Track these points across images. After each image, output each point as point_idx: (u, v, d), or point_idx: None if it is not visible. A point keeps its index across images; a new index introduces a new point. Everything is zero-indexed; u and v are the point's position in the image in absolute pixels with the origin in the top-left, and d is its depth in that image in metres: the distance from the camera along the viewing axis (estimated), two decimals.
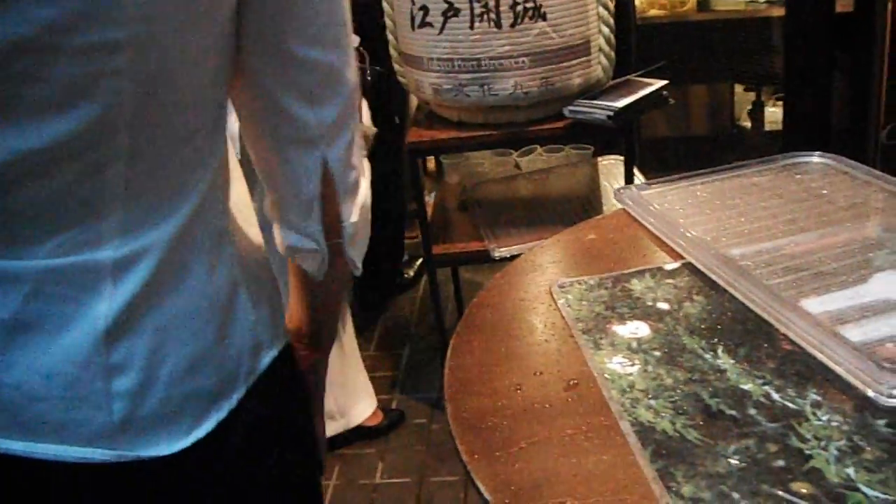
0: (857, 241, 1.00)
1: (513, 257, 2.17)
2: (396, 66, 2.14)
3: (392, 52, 2.13)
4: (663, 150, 3.25)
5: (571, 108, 1.98)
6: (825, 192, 1.14)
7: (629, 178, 2.11)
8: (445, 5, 1.87)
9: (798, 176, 1.21)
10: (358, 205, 0.82)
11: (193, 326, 0.70)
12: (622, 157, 2.45)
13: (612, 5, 1.97)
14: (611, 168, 2.49)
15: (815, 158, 1.25)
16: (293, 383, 0.88)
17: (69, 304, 0.64)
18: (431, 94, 2.02)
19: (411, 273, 3.25)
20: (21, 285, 0.63)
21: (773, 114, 3.45)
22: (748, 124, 3.44)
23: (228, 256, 0.74)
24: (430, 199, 2.60)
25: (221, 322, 0.73)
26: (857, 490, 0.63)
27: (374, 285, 3.07)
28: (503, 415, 0.77)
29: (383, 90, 2.77)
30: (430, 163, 2.81)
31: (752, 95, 3.41)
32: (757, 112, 3.38)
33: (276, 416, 0.82)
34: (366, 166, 0.86)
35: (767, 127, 3.40)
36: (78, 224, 0.64)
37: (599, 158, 2.55)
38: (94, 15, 0.56)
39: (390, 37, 2.10)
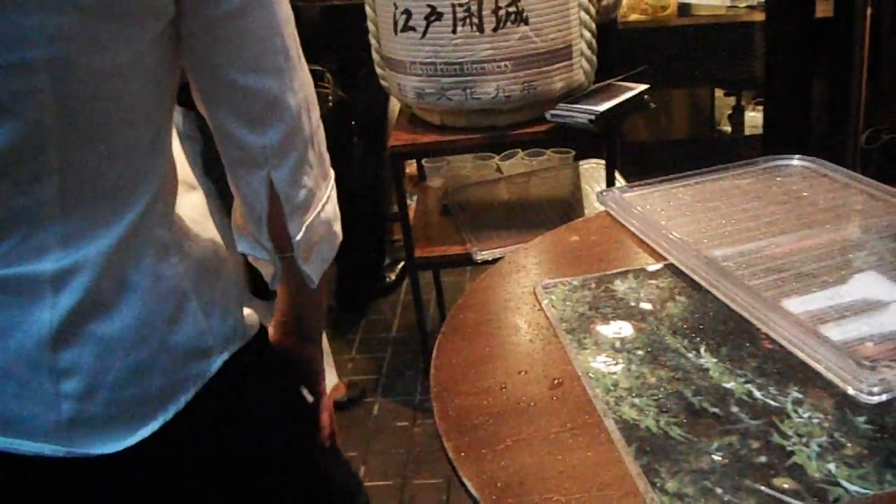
0: (837, 243, 1.02)
1: (495, 260, 2.18)
2: (379, 70, 2.15)
3: (374, 55, 2.13)
4: (644, 155, 3.26)
5: (553, 111, 1.99)
6: (805, 194, 1.15)
7: (611, 182, 2.12)
8: (428, 9, 1.87)
9: (779, 179, 1.23)
10: (307, 222, 0.84)
11: (138, 335, 0.73)
12: (603, 161, 2.47)
13: (593, 10, 1.98)
14: (592, 172, 2.50)
15: (796, 161, 1.26)
16: (252, 380, 0.88)
17: (13, 311, 0.68)
18: (414, 97, 2.03)
19: (393, 276, 3.25)
20: None
21: (753, 118, 3.48)
22: (728, 129, 3.47)
23: (173, 266, 0.76)
24: (411, 203, 2.60)
25: (167, 331, 0.75)
26: (838, 485, 0.64)
27: (355, 288, 3.07)
28: (489, 413, 0.78)
29: (362, 100, 2.79)
30: (412, 167, 2.81)
31: (732, 100, 3.44)
32: (737, 116, 3.41)
33: (230, 415, 0.84)
34: (329, 183, 0.88)
35: (748, 131, 3.43)
36: (15, 236, 0.66)
37: (581, 162, 2.56)
38: (8, 37, 0.59)
39: (373, 41, 2.11)
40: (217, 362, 0.80)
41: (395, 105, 2.80)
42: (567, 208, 2.33)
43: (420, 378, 2.62)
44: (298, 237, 0.83)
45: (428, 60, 1.94)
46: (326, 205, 0.86)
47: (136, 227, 0.72)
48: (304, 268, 0.86)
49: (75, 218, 0.68)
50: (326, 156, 0.86)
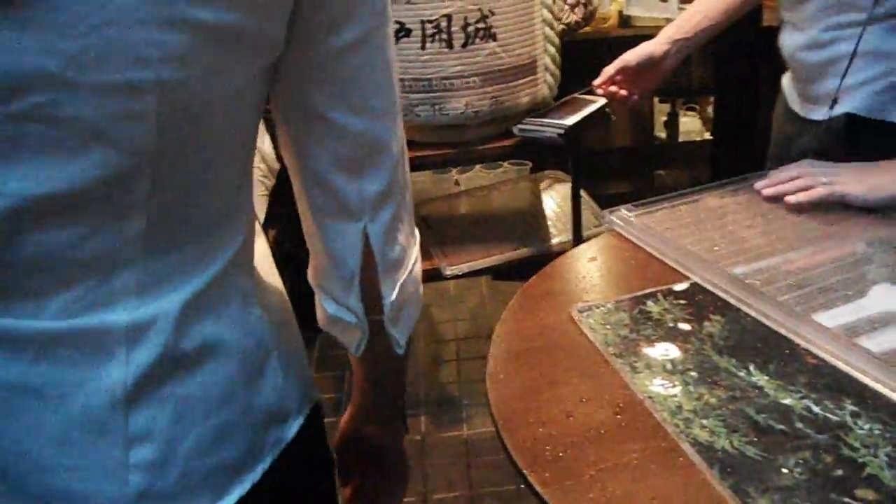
0: (848, 256, 1.07)
1: (464, 275, 2.22)
2: None
3: None
4: (591, 164, 3.34)
5: (521, 126, 2.03)
6: (806, 208, 1.20)
7: (576, 194, 2.17)
8: (397, 26, 1.89)
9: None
10: (400, 281, 0.78)
11: (221, 395, 0.67)
12: (558, 172, 2.52)
13: (556, 25, 2.03)
14: (550, 183, 2.55)
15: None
16: (319, 450, 0.86)
17: (80, 369, 0.60)
18: None
19: None
20: (25, 347, 0.59)
21: (686, 124, 3.60)
22: (664, 135, 3.57)
23: (257, 319, 0.71)
24: None
25: (251, 391, 0.70)
26: None
27: (312, 302, 3.05)
28: (562, 443, 0.80)
29: None
30: None
31: (666, 107, 3.54)
32: (672, 123, 3.51)
33: (301, 487, 0.80)
34: (416, 240, 0.83)
35: (681, 137, 3.54)
36: (89, 282, 0.59)
37: (540, 174, 2.61)
38: (121, 52, 0.52)
39: None
40: (294, 427, 0.76)
41: None
42: (529, 220, 2.38)
43: None
44: (392, 298, 0.77)
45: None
46: (416, 264, 0.82)
47: (223, 273, 0.66)
48: (393, 331, 0.80)
49: (158, 262, 0.62)
50: (413, 210, 0.81)
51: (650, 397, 0.85)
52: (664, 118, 3.56)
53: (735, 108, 2.44)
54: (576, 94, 2.16)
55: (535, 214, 2.39)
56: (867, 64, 1.30)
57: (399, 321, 0.81)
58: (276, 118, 0.72)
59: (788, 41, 1.47)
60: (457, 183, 2.63)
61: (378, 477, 0.97)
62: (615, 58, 1.71)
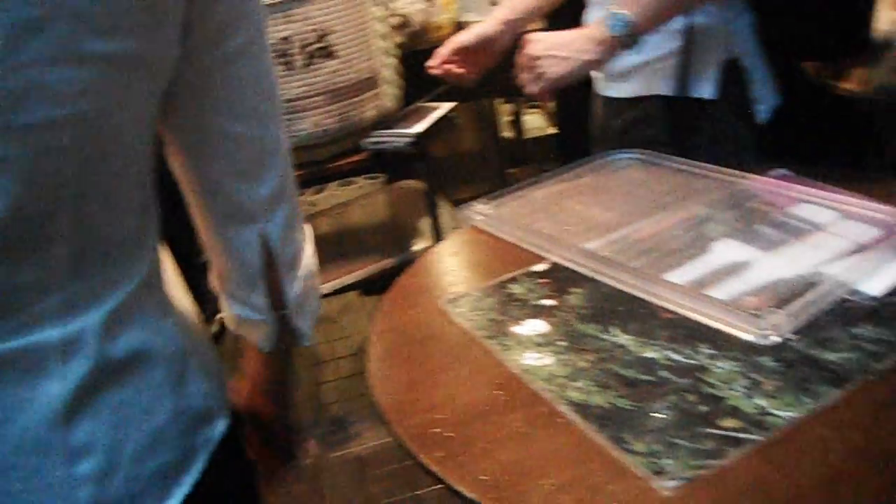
0: (689, 220, 1.16)
1: (331, 293, 2.24)
2: None
3: None
4: (442, 169, 3.41)
5: (370, 139, 2.07)
6: (644, 182, 1.29)
7: (431, 199, 2.23)
8: None
9: (618, 172, 1.37)
10: (300, 277, 0.84)
11: (152, 400, 0.70)
12: (413, 182, 2.57)
13: (395, 38, 2.08)
14: (405, 192, 2.60)
15: (628, 155, 1.41)
16: (244, 449, 0.88)
17: (20, 389, 0.61)
18: None
19: (215, 328, 3.19)
20: None
21: (530, 122, 3.72)
22: (510, 134, 3.68)
23: (173, 327, 0.74)
24: None
25: (178, 394, 0.73)
26: (771, 414, 0.76)
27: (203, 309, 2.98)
28: (450, 424, 0.83)
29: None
30: None
31: (509, 107, 3.66)
32: (517, 122, 3.63)
33: (236, 483, 0.84)
34: (308, 233, 0.88)
35: (528, 134, 3.65)
36: (19, 306, 0.61)
37: (394, 185, 2.65)
38: (39, 92, 0.54)
39: None
40: (220, 426, 0.78)
41: None
42: (390, 232, 2.41)
43: None
44: (295, 292, 0.83)
45: None
46: (313, 257, 0.87)
47: (141, 285, 0.69)
48: (299, 324, 0.86)
49: (82, 283, 0.64)
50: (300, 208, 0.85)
51: (525, 370, 0.89)
52: (509, 118, 3.67)
53: (574, 99, 2.54)
54: (419, 103, 2.22)
55: (394, 225, 2.43)
56: (666, 40, 1.39)
57: (303, 313, 0.86)
58: (165, 133, 0.74)
59: (588, 19, 1.54)
60: (313, 204, 2.64)
61: (268, 446, 1.00)
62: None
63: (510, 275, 1.10)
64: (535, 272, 1.10)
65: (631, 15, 1.26)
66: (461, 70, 1.68)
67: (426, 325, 1.04)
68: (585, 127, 2.52)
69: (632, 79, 1.46)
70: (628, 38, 1.27)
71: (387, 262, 2.22)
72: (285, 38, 1.92)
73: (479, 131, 3.47)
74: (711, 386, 0.81)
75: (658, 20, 1.29)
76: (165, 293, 0.75)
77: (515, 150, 3.55)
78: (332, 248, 2.35)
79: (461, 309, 1.04)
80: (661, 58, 1.41)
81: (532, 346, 0.94)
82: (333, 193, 2.64)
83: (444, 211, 2.29)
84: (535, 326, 0.97)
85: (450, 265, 1.20)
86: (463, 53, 1.68)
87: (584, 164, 1.40)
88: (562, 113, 2.66)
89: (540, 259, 1.13)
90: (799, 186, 1.20)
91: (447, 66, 1.70)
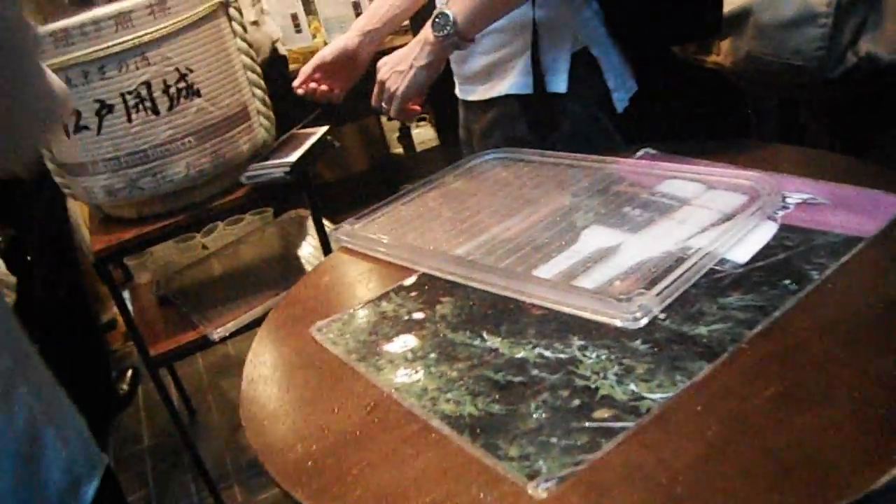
0: (557, 211, 1.14)
1: (233, 334, 2.17)
2: (58, 179, 2.05)
3: (49, 165, 2.03)
4: (333, 194, 3.36)
5: (248, 174, 2.01)
6: (512, 180, 1.27)
7: (319, 224, 2.18)
8: (97, 104, 1.82)
9: (484, 174, 1.34)
10: None
11: (8, 479, 0.67)
12: (301, 211, 2.52)
13: (259, 69, 2.03)
14: (295, 222, 2.55)
15: (492, 156, 1.39)
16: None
17: None
18: (105, 196, 1.96)
19: (125, 387, 3.09)
20: None
21: (420, 135, 3.70)
22: (401, 150, 3.65)
23: (23, 398, 0.71)
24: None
25: (34, 469, 0.70)
26: (644, 398, 0.74)
27: (93, 412, 2.87)
28: (321, 454, 0.79)
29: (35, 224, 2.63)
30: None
31: (397, 123, 3.63)
32: (406, 138, 3.60)
33: None
34: None
35: (419, 147, 3.63)
36: None
37: (283, 216, 2.59)
38: None
39: (45, 151, 2.01)
40: (90, 491, 0.76)
41: (78, 211, 2.69)
42: (284, 262, 2.36)
43: (192, 474, 2.52)
44: None
45: (110, 156, 1.88)
46: None
47: None
48: None
49: None
50: None
51: (397, 389, 0.86)
52: (396, 134, 3.65)
53: (449, 107, 2.53)
54: (294, 131, 2.17)
55: (288, 256, 2.38)
56: (512, 38, 1.38)
57: None
58: None
59: None
60: (204, 247, 2.57)
61: None
62: None
63: (380, 292, 1.07)
64: (405, 286, 1.07)
65: (454, 13, 1.24)
66: (326, 87, 1.65)
67: (298, 356, 0.99)
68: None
69: (485, 80, 1.44)
70: (454, 36, 1.25)
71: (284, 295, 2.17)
72: (145, 83, 1.85)
73: (368, 150, 3.44)
74: (584, 378, 0.79)
75: (482, 17, 1.28)
76: (12, 363, 0.72)
77: (407, 165, 3.52)
78: (227, 289, 2.28)
79: (331, 334, 1.00)
80: (509, 56, 1.39)
81: (403, 363, 0.90)
82: (224, 232, 2.57)
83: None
84: (406, 342, 0.94)
85: (321, 291, 1.16)
86: (325, 70, 1.64)
87: (448, 171, 1.38)
88: (440, 123, 2.64)
89: (410, 272, 1.10)
90: (663, 163, 1.20)
91: (312, 86, 1.66)
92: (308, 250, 2.37)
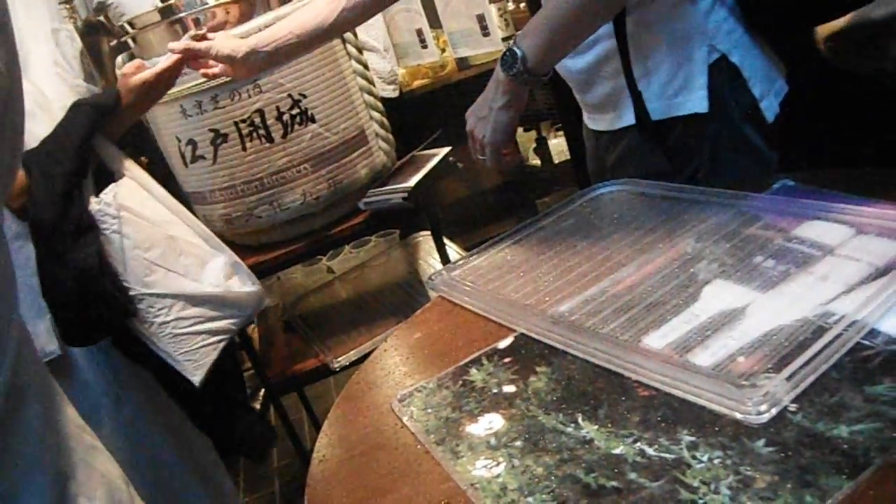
0: (676, 260, 0.99)
1: (352, 364, 2.10)
2: None
3: None
4: (465, 212, 3.27)
5: (366, 199, 1.94)
6: (629, 218, 1.13)
7: (441, 250, 2.08)
8: (212, 134, 1.79)
9: (598, 210, 1.20)
10: None
11: None
12: (429, 231, 2.43)
13: (377, 91, 1.95)
14: (422, 244, 2.47)
15: (610, 188, 1.25)
16: None
17: None
18: (223, 224, 1.93)
19: (258, 405, 3.09)
20: None
21: (558, 145, 3.55)
22: (538, 162, 3.52)
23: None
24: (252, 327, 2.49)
25: None
26: None
27: (230, 427, 2.89)
28: None
29: None
30: None
31: (533, 133, 3.50)
32: (542, 148, 3.46)
33: None
34: None
35: (557, 159, 3.48)
36: None
37: (410, 238, 2.52)
38: None
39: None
40: None
41: None
42: (409, 288, 2.27)
43: None
44: None
45: (226, 185, 1.85)
46: None
47: None
48: None
49: None
50: None
51: (473, 484, 0.74)
52: (533, 145, 3.52)
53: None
54: (414, 153, 2.09)
55: (412, 281, 2.30)
56: (635, 64, 1.24)
57: None
58: None
59: None
60: (330, 270, 2.52)
61: None
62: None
63: (472, 356, 0.95)
64: (499, 350, 0.95)
65: (523, 49, 1.13)
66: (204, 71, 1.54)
67: (375, 433, 0.89)
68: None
69: (612, 108, 1.30)
70: (524, 74, 1.13)
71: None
72: (258, 111, 1.80)
73: None
74: (691, 489, 0.65)
75: (554, 51, 1.15)
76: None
77: (544, 177, 3.38)
78: (350, 316, 2.22)
79: (412, 408, 0.89)
80: (642, 76, 1.24)
81: (485, 450, 0.78)
82: (349, 255, 2.52)
83: (461, 254, 2.15)
84: (490, 423, 0.82)
85: (409, 351, 1.05)
86: (200, 53, 1.50)
87: (559, 208, 1.25)
88: (572, 137, 2.50)
89: (506, 332, 0.97)
90: (803, 200, 1.02)
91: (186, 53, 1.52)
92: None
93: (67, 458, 0.78)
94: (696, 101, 1.22)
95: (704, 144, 1.23)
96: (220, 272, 1.61)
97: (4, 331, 0.70)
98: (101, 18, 2.24)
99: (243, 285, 1.64)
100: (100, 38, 2.19)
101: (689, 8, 1.19)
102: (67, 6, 2.08)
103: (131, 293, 1.50)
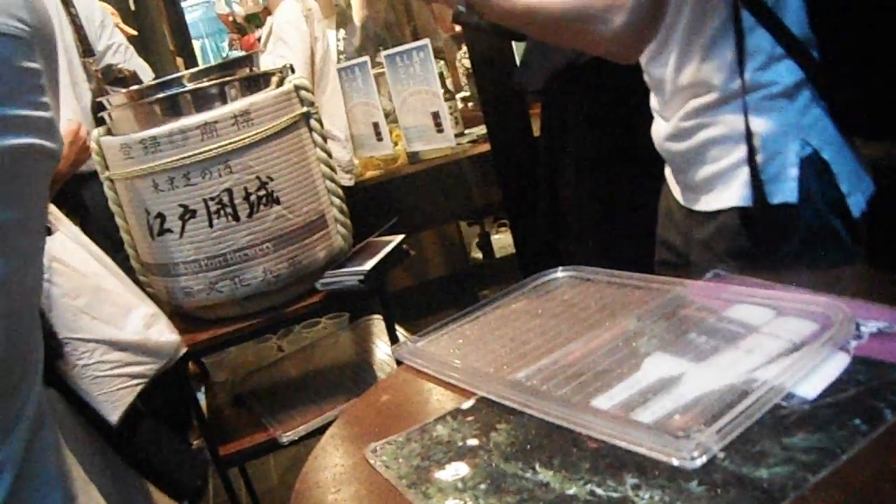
0: (620, 336, 1.11)
1: (301, 439, 2.17)
2: (142, 277, 2.11)
3: (134, 264, 2.10)
4: (410, 300, 3.38)
5: (323, 280, 2.03)
6: (577, 301, 1.26)
7: (392, 333, 2.18)
8: (181, 209, 1.89)
9: (549, 293, 1.33)
10: None
11: None
12: (378, 316, 2.53)
13: (338, 178, 2.08)
14: (371, 327, 2.56)
15: (559, 274, 1.38)
16: None
17: None
18: (183, 297, 2.01)
19: (199, 481, 3.10)
20: None
21: (500, 240, 3.71)
22: (480, 256, 3.66)
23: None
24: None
25: None
26: None
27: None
28: None
29: None
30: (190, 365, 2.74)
31: (477, 229, 3.66)
32: (485, 243, 3.62)
33: None
34: None
35: (498, 254, 3.64)
36: None
37: (360, 321, 2.61)
38: None
39: (130, 250, 2.08)
40: None
41: None
42: (358, 369, 2.36)
43: None
44: None
45: (191, 259, 1.94)
46: None
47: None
48: None
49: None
50: None
51: None
52: (476, 240, 3.67)
53: (527, 221, 2.53)
54: (370, 238, 2.20)
55: (361, 363, 2.38)
56: (732, 148, 1.32)
57: None
58: None
59: (656, 130, 1.49)
60: (280, 349, 2.59)
61: None
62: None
63: (438, 415, 1.06)
64: (463, 410, 1.05)
65: None
66: None
67: (350, 479, 0.98)
68: (550, 244, 2.49)
69: (709, 190, 1.38)
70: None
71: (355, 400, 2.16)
72: (227, 190, 1.91)
73: (447, 256, 3.46)
74: None
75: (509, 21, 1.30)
76: None
77: (486, 271, 3.53)
78: (299, 393, 2.29)
79: (384, 457, 0.99)
80: (732, 165, 1.33)
81: (453, 493, 0.88)
82: (300, 335, 2.60)
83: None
84: (457, 470, 0.92)
85: (380, 410, 1.15)
86: None
87: (513, 290, 1.37)
88: (519, 234, 2.65)
89: (468, 395, 1.08)
90: (732, 286, 1.17)
91: None
92: (382, 356, 2.37)
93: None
94: (788, 192, 1.30)
95: (794, 232, 1.32)
96: (140, 321, 1.69)
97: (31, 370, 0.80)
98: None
99: (162, 335, 1.72)
100: None
101: (786, 103, 1.30)
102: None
103: (59, 337, 1.56)
